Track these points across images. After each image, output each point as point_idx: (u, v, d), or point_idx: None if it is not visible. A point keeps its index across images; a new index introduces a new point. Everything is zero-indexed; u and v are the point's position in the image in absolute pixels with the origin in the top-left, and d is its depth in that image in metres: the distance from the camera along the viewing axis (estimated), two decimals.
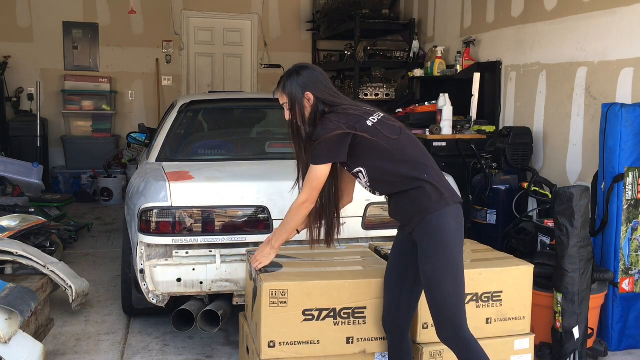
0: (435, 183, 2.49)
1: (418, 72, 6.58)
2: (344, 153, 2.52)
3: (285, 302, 2.69)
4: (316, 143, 2.51)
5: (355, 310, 2.78)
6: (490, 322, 2.97)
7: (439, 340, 2.92)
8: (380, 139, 2.50)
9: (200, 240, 3.31)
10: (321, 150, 2.51)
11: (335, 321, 2.76)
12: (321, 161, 2.53)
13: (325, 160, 2.53)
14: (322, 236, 2.79)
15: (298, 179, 2.73)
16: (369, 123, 2.52)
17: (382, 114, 2.60)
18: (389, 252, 3.11)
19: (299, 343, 2.73)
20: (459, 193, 2.57)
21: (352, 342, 2.80)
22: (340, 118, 2.51)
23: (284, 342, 2.71)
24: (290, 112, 2.63)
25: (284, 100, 2.64)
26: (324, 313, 2.75)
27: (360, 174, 2.59)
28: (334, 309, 2.76)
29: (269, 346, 2.70)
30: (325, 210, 2.73)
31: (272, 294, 2.67)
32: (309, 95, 2.58)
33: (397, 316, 2.69)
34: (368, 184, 2.60)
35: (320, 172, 2.55)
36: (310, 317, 2.73)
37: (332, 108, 2.58)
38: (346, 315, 2.78)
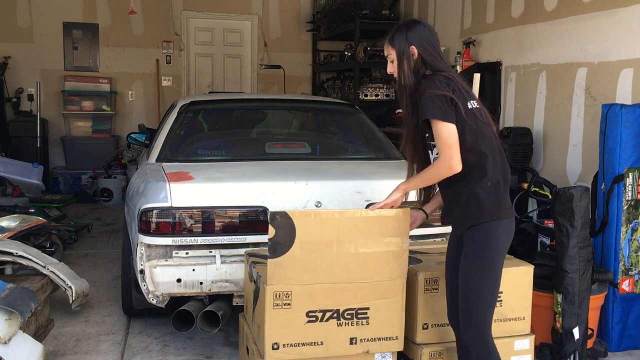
0: (500, 192, 2.50)
1: None
2: (452, 114, 2.43)
3: (289, 304, 2.68)
4: (423, 97, 2.45)
5: (359, 311, 2.78)
6: None
7: (439, 341, 2.94)
8: (472, 124, 2.46)
9: (200, 240, 3.31)
10: (433, 105, 2.42)
11: (338, 322, 2.76)
12: (438, 116, 2.41)
13: (442, 117, 2.42)
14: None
15: (405, 142, 2.67)
16: (469, 105, 2.48)
17: (480, 104, 2.55)
18: None
19: (303, 344, 2.73)
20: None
21: (356, 343, 2.80)
22: (447, 82, 2.46)
23: (287, 344, 2.71)
24: (396, 66, 2.60)
25: (390, 52, 2.62)
26: (328, 314, 2.74)
27: (435, 150, 2.54)
28: (337, 310, 2.75)
29: (273, 348, 2.69)
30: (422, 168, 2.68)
31: (276, 296, 2.66)
32: (414, 49, 2.55)
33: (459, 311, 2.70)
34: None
35: (448, 129, 2.42)
36: (314, 319, 2.73)
37: (435, 72, 2.53)
38: (349, 316, 2.77)
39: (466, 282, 2.54)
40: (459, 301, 2.59)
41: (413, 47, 2.55)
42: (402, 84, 2.60)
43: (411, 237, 3.13)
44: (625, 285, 3.75)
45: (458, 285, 2.64)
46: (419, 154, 2.68)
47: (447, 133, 2.43)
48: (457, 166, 2.44)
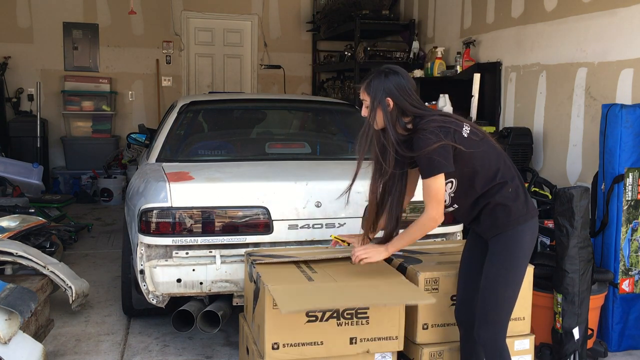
0: (521, 193, 2.56)
1: (418, 73, 6.58)
2: (451, 163, 2.51)
3: None
4: (421, 157, 2.50)
5: (358, 311, 2.78)
6: None
7: (439, 341, 2.94)
8: (476, 149, 2.53)
9: (200, 240, 3.30)
10: (434, 163, 2.48)
11: (338, 322, 2.76)
12: (436, 172, 2.50)
13: (439, 171, 2.50)
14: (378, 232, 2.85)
15: (355, 177, 2.73)
16: (464, 133, 2.54)
17: (469, 124, 2.61)
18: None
19: (303, 344, 2.73)
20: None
21: (356, 343, 2.80)
22: (437, 130, 2.50)
23: (287, 344, 2.71)
24: (368, 111, 2.64)
25: (365, 98, 2.66)
26: (327, 314, 2.74)
27: (448, 184, 2.61)
28: (337, 310, 2.75)
29: (273, 348, 2.69)
30: (392, 208, 2.73)
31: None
32: (389, 101, 2.58)
33: (471, 309, 2.73)
34: (452, 194, 2.62)
35: (439, 183, 2.52)
36: (314, 318, 2.73)
37: (416, 119, 2.58)
38: (349, 316, 2.77)
39: (489, 281, 2.56)
40: (479, 299, 2.60)
41: (389, 98, 2.58)
42: (369, 125, 2.63)
43: None
44: (625, 286, 3.75)
45: (475, 283, 2.67)
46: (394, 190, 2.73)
47: (435, 189, 2.51)
48: (441, 219, 2.57)
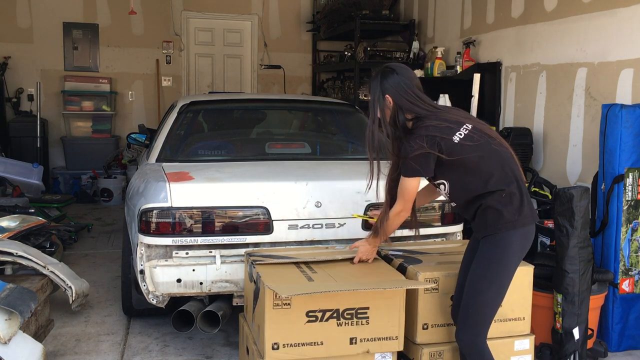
0: (515, 200, 2.55)
1: (418, 73, 6.57)
2: (429, 169, 2.59)
3: (289, 304, 2.68)
4: (402, 161, 2.59)
5: (359, 311, 2.78)
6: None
7: (439, 341, 2.94)
8: (466, 155, 2.53)
9: (200, 240, 3.31)
10: (409, 166, 2.59)
11: (338, 322, 2.76)
12: (410, 175, 2.63)
13: (413, 175, 2.62)
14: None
15: (371, 177, 2.79)
16: (456, 139, 2.55)
17: (470, 125, 2.60)
18: (389, 252, 3.13)
19: (303, 344, 2.73)
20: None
21: (356, 343, 2.80)
22: (421, 139, 2.53)
23: (287, 344, 2.71)
24: (371, 111, 2.71)
25: (369, 98, 2.74)
26: (327, 314, 2.74)
27: (442, 186, 2.67)
28: (337, 310, 2.75)
29: (273, 348, 2.69)
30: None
31: (276, 296, 2.66)
32: (389, 99, 2.63)
33: None
34: (448, 195, 2.69)
35: (411, 185, 2.66)
36: (314, 319, 2.73)
37: (415, 119, 2.62)
38: (349, 316, 2.77)
39: (473, 283, 2.58)
40: (462, 301, 2.62)
41: (388, 96, 2.63)
42: (371, 131, 2.70)
43: (411, 237, 3.15)
44: (625, 286, 3.75)
45: None
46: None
47: (406, 188, 2.67)
48: (405, 215, 2.77)
